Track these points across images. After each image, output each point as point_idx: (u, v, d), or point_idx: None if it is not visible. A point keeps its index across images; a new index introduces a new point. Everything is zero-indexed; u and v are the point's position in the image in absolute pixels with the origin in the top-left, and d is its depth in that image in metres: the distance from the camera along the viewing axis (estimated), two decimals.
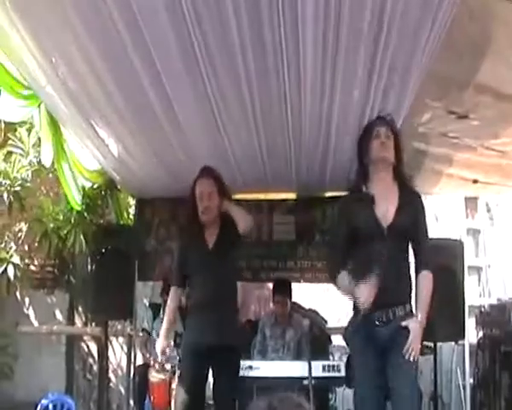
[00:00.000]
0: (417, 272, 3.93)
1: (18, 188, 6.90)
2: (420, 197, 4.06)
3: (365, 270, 3.77)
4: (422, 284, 3.91)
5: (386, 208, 3.89)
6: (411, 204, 3.96)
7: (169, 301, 4.99)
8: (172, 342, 5.63)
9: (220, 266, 4.69)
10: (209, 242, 4.81)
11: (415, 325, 3.80)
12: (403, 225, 3.87)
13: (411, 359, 3.75)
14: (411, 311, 3.89)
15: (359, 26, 3.72)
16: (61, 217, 7.62)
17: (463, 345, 6.97)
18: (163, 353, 5.00)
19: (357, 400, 4.00)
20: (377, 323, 3.82)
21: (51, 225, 7.60)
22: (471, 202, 8.38)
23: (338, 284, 4.04)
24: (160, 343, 4.96)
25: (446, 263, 5.87)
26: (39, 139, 6.29)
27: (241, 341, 5.02)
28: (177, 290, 4.97)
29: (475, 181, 6.39)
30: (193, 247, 4.87)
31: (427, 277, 3.91)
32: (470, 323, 6.95)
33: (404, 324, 3.80)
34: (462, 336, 6.31)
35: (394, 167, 3.99)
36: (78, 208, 7.03)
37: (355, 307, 3.94)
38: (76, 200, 6.46)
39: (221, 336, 4.59)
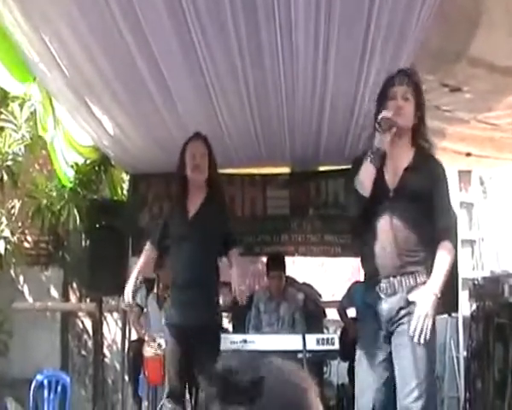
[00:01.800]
0: (436, 243, 3.52)
1: (10, 163, 6.87)
2: (439, 163, 3.68)
3: (371, 236, 3.55)
4: (439, 254, 3.47)
5: (395, 170, 3.60)
6: (426, 168, 3.59)
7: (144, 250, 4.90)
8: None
9: (198, 239, 4.52)
10: (191, 209, 4.67)
11: (424, 298, 3.39)
12: (411, 189, 3.54)
13: (420, 340, 3.35)
14: (425, 282, 3.48)
15: None
16: (55, 193, 7.59)
17: (457, 318, 7.01)
18: (127, 298, 4.80)
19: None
20: (381, 295, 3.52)
21: (44, 202, 7.58)
22: (464, 176, 8.38)
23: None
24: (126, 289, 4.79)
25: None
26: (31, 114, 6.26)
27: (218, 320, 4.92)
28: (149, 247, 4.88)
29: (468, 154, 6.39)
30: (173, 215, 4.75)
31: (445, 247, 3.49)
32: (464, 296, 6.99)
33: (411, 297, 3.44)
34: (456, 309, 6.35)
35: (413, 130, 3.65)
36: (69, 185, 7.01)
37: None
38: (66, 176, 6.44)
39: (197, 316, 4.50)
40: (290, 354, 5.42)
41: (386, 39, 4.12)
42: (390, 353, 3.50)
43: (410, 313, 3.42)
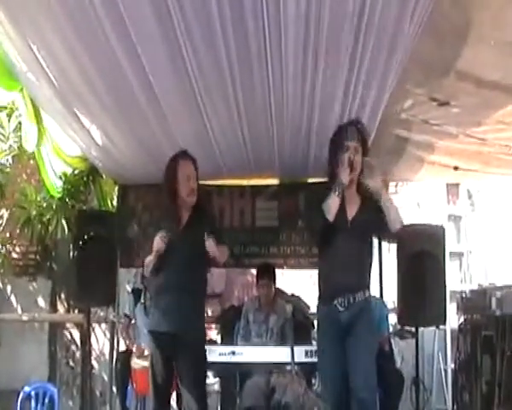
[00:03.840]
0: None
1: None
2: (377, 201, 4.23)
3: (330, 259, 4.27)
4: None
5: (350, 205, 4.29)
6: (370, 206, 4.23)
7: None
8: None
9: (189, 250, 4.54)
10: (181, 222, 4.68)
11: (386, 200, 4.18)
12: (362, 222, 4.24)
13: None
14: (370, 296, 4.30)
15: (342, 9, 3.73)
16: (44, 203, 7.57)
17: (445, 330, 7.04)
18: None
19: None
20: (339, 308, 4.16)
21: (34, 212, 7.55)
22: (452, 189, 8.43)
23: None
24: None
25: (428, 249, 5.91)
26: (20, 124, 6.25)
27: (203, 331, 4.89)
28: None
29: (456, 168, 6.43)
30: (164, 226, 4.66)
31: None
32: (452, 308, 7.01)
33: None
34: (444, 322, 6.35)
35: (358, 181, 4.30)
36: (57, 195, 6.98)
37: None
38: (55, 186, 6.42)
39: (182, 323, 4.47)
40: (279, 366, 5.44)
41: (375, 53, 4.15)
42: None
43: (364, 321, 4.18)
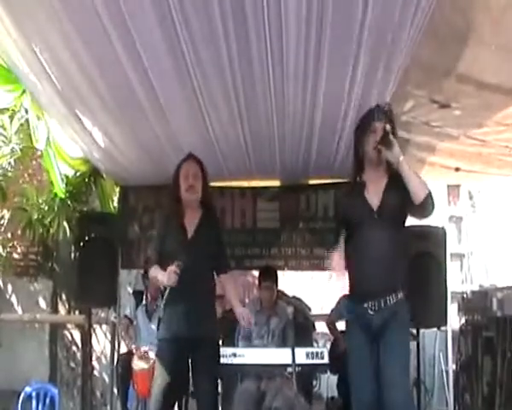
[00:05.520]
0: None
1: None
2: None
3: (358, 255, 3.93)
4: None
5: (375, 192, 3.98)
6: (399, 185, 3.91)
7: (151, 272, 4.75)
8: None
9: (198, 256, 4.56)
10: (188, 230, 4.68)
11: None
12: (391, 205, 3.93)
13: None
14: (403, 299, 3.99)
15: (343, 11, 3.73)
16: (46, 206, 7.58)
17: (446, 331, 7.03)
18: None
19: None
20: (370, 312, 3.90)
21: (35, 215, 7.56)
22: (453, 190, 8.45)
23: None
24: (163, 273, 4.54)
25: (429, 250, 5.93)
26: (21, 126, 6.25)
27: (218, 332, 4.92)
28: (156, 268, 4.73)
29: (457, 169, 6.43)
30: (171, 234, 4.72)
31: None
32: (453, 309, 7.02)
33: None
34: (445, 323, 6.36)
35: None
36: (63, 195, 7.00)
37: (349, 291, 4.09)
38: (61, 186, 6.44)
39: (198, 329, 4.49)
40: (280, 368, 5.44)
41: (377, 57, 4.15)
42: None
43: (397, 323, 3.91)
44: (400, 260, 3.99)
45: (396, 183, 3.94)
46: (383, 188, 3.99)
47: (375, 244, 3.88)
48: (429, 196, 3.86)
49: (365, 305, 3.91)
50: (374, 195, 3.99)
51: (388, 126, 3.92)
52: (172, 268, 4.40)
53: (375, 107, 4.12)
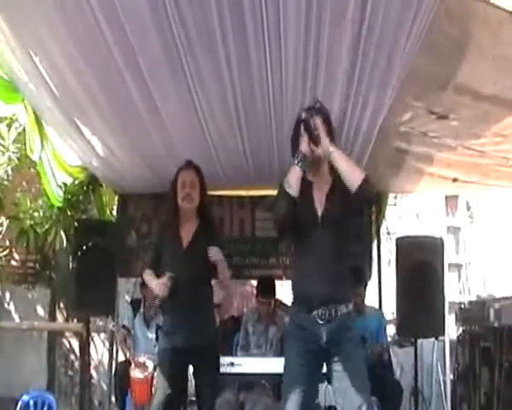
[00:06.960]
0: None
1: None
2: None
3: (303, 262, 3.73)
4: None
5: (321, 197, 3.74)
6: (343, 190, 3.61)
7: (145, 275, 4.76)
8: None
9: (193, 266, 4.55)
10: (184, 239, 4.66)
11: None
12: (334, 211, 3.68)
13: None
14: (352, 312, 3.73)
15: (341, 23, 3.75)
16: (41, 213, 7.57)
17: (443, 341, 7.04)
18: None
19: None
20: (319, 321, 3.61)
21: (28, 223, 7.54)
22: (451, 200, 8.46)
23: None
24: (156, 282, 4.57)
25: (427, 260, 5.92)
26: (19, 134, 6.26)
27: (218, 340, 4.92)
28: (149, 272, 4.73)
29: (455, 180, 6.45)
30: (167, 243, 4.71)
31: None
32: (450, 319, 7.03)
33: None
34: (443, 333, 6.37)
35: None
36: (59, 204, 6.99)
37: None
38: (56, 195, 6.43)
39: (199, 338, 4.49)
40: (277, 378, 5.44)
41: (374, 66, 4.17)
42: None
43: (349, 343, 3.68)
44: (346, 269, 3.75)
45: (339, 185, 3.66)
46: (326, 193, 3.74)
47: (319, 252, 3.63)
48: (365, 180, 3.54)
49: (314, 313, 3.60)
50: (318, 200, 3.73)
51: (313, 123, 3.67)
52: (163, 280, 4.43)
53: (300, 110, 3.88)
